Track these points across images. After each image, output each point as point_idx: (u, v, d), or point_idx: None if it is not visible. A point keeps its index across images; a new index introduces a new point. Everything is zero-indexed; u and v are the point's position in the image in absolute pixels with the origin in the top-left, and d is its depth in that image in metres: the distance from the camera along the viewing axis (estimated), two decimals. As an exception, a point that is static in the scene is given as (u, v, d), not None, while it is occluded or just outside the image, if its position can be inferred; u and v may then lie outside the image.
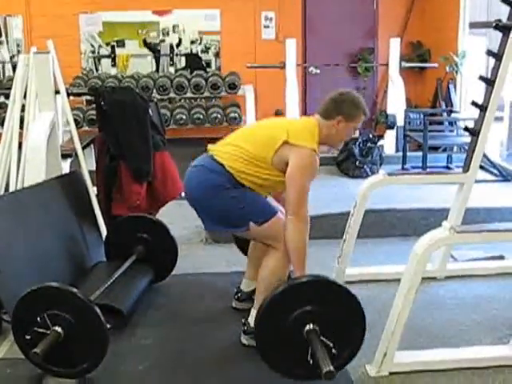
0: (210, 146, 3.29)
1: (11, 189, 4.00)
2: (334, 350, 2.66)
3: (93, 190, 4.26)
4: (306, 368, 2.69)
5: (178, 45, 9.77)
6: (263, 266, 3.20)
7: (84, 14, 9.46)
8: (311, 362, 2.64)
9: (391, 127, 7.59)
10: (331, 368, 2.46)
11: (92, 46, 9.69)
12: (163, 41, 9.77)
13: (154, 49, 9.80)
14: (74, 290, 2.85)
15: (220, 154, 3.18)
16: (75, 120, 8.49)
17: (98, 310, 2.82)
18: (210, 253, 4.78)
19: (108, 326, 2.91)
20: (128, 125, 4.10)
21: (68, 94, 4.24)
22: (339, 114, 3.17)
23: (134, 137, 4.12)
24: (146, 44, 9.74)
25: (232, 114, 8.96)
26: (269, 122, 3.39)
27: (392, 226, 5.02)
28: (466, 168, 3.82)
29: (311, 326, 2.66)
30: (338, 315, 2.69)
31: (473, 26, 4.26)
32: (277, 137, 3.10)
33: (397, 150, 7.54)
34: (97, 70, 9.72)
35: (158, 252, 3.98)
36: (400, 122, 7.42)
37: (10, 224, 3.41)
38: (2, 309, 3.35)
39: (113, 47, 9.72)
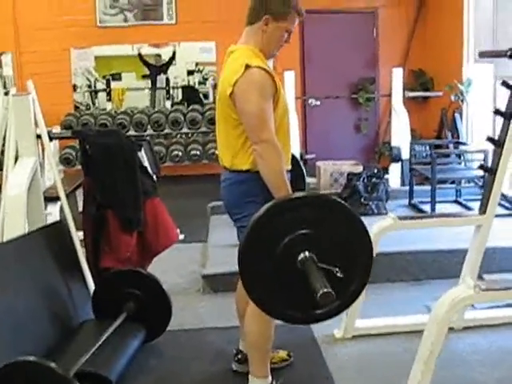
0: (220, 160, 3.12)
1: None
2: (338, 274, 2.31)
3: (79, 241, 3.97)
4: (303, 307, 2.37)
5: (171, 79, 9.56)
6: (248, 331, 2.92)
7: (75, 49, 9.25)
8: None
9: (396, 160, 7.33)
10: (328, 289, 2.11)
11: (88, 80, 9.50)
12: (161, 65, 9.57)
13: (149, 65, 9.58)
14: (52, 364, 2.55)
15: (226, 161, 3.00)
16: (67, 159, 8.39)
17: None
18: (208, 304, 4.47)
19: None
20: (115, 170, 3.82)
21: (50, 138, 3.96)
22: (266, 12, 2.88)
23: (122, 183, 3.84)
24: (141, 58, 9.49)
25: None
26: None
27: (403, 269, 4.72)
28: (483, 209, 3.53)
29: (306, 253, 2.31)
30: (337, 239, 2.35)
31: (482, 55, 3.98)
32: (227, 89, 2.84)
33: (402, 184, 7.27)
34: (94, 104, 9.50)
35: (150, 309, 3.69)
36: (405, 154, 7.17)
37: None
38: None
39: (108, 81, 9.52)
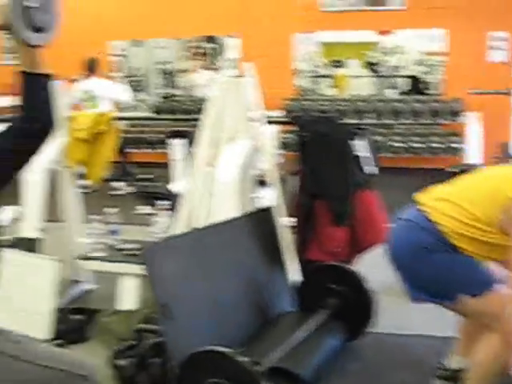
0: (417, 197, 2.76)
1: (196, 224, 3.72)
2: None
3: (288, 229, 3.89)
4: None
5: (399, 66, 9.25)
6: (478, 351, 2.60)
7: (300, 33, 9.24)
8: None
9: None
10: None
11: (311, 65, 9.49)
12: (385, 61, 9.30)
13: (375, 69, 9.38)
14: (242, 358, 2.47)
15: (432, 210, 2.64)
16: (287, 144, 8.40)
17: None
18: (416, 307, 4.18)
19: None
20: (327, 160, 3.68)
21: (269, 122, 3.90)
22: None
23: (333, 174, 3.69)
24: (368, 64, 9.32)
25: (453, 145, 8.25)
26: (492, 171, 2.77)
27: None
28: None
29: None
30: None
31: None
32: (503, 190, 2.50)
33: None
34: (315, 89, 9.48)
35: (352, 307, 3.51)
36: None
37: (190, 265, 3.13)
38: None
39: (331, 67, 9.44)
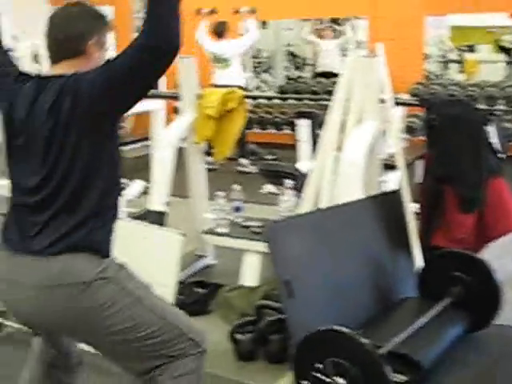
0: None
1: (321, 205, 3.73)
2: None
3: (412, 214, 3.82)
4: None
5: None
6: None
7: (431, 16, 8.98)
8: None
9: None
10: None
11: (440, 50, 9.24)
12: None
13: (508, 54, 9.02)
14: (364, 340, 2.44)
15: None
16: (411, 128, 8.23)
17: (387, 368, 2.41)
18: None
19: (402, 379, 2.56)
20: (459, 144, 3.57)
21: (395, 104, 3.84)
22: None
23: (466, 159, 3.59)
24: (500, 48, 8.98)
25: None
26: None
27: None
28: None
29: None
30: None
31: None
32: None
33: None
34: (444, 74, 9.23)
35: (477, 297, 3.39)
36: None
37: (313, 244, 3.13)
38: None
39: (461, 51, 9.15)
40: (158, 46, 2.10)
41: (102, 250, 2.38)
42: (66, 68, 2.36)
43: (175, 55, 2.15)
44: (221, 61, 8.60)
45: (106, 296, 2.34)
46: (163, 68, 2.18)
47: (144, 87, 2.26)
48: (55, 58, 2.42)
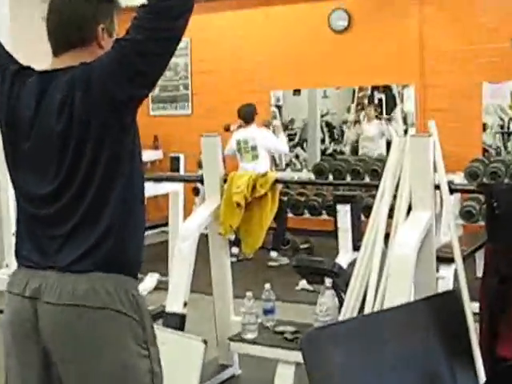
0: None
1: (366, 308, 3.68)
2: None
3: (473, 316, 3.75)
4: None
5: None
6: None
7: (489, 83, 9.05)
8: None
9: None
10: None
11: (501, 119, 9.26)
12: None
13: None
14: None
15: None
16: (469, 213, 8.13)
17: None
18: None
19: None
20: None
21: (450, 191, 3.82)
22: None
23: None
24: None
25: None
26: None
27: None
28: None
29: None
30: None
31: None
32: None
33: None
34: (505, 148, 9.22)
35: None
36: None
37: (354, 356, 3.08)
38: None
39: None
40: (170, 5, 2.12)
41: (133, 267, 2.35)
42: (71, 60, 2.29)
43: (189, 17, 2.16)
44: (247, 150, 8.53)
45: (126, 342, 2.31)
46: (177, 34, 2.18)
47: (158, 62, 2.22)
48: (58, 48, 2.35)
